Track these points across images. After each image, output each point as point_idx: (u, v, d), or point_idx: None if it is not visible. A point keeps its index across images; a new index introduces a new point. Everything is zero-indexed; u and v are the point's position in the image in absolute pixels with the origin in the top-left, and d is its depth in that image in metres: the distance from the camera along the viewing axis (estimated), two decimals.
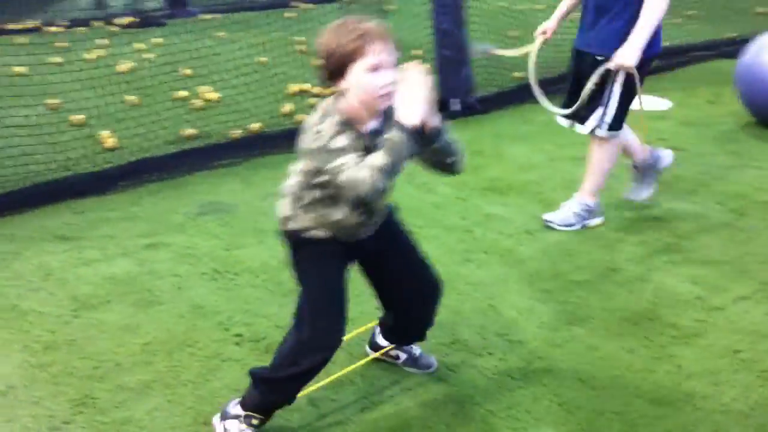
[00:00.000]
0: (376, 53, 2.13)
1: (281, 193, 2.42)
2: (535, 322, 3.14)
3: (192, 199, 4.38)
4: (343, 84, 2.18)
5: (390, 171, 2.10)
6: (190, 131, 5.28)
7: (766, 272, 3.52)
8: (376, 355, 2.86)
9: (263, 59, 6.88)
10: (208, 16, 9.24)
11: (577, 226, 3.95)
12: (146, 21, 9.14)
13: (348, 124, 2.20)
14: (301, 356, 2.38)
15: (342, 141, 2.16)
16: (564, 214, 3.99)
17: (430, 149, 2.25)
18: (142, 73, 6.62)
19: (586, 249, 3.75)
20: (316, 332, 2.37)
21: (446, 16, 5.60)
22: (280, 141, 5.13)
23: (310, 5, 9.21)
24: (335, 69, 2.17)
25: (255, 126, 5.39)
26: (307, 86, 6.26)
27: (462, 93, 5.73)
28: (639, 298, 3.32)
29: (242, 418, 2.47)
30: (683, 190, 4.44)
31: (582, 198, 4.00)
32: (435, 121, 2.21)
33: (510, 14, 8.45)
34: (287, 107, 5.71)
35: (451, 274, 3.49)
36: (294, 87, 6.21)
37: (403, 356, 2.84)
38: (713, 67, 7.18)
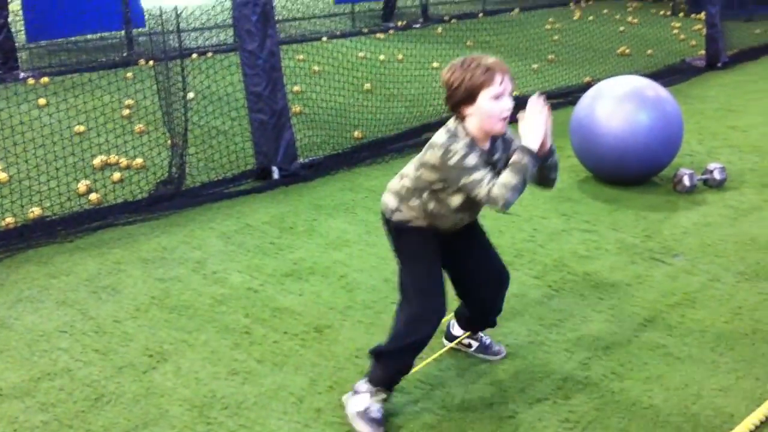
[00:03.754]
0: (500, 83, 2.59)
1: (388, 188, 2.87)
2: None
3: None
4: (469, 110, 2.62)
5: (520, 188, 2.55)
6: None
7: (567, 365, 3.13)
8: (453, 344, 3.26)
9: (81, 128, 6.24)
10: (34, 81, 8.48)
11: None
12: None
13: (474, 144, 2.63)
14: (414, 328, 2.77)
15: (473, 159, 2.58)
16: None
17: (542, 166, 2.69)
18: None
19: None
20: (425, 306, 2.77)
21: (258, 77, 5.11)
22: (68, 224, 4.51)
23: (151, 62, 8.61)
24: (465, 97, 2.60)
25: (35, 212, 4.68)
26: (113, 158, 5.62)
27: (283, 160, 5.23)
28: None
29: (372, 393, 2.81)
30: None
31: None
32: (549, 143, 2.67)
33: (368, 65, 8.08)
34: (84, 185, 5.07)
35: (206, 395, 2.95)
36: (99, 160, 5.56)
37: (475, 344, 3.25)
38: (561, 116, 6.90)
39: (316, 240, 4.38)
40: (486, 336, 3.26)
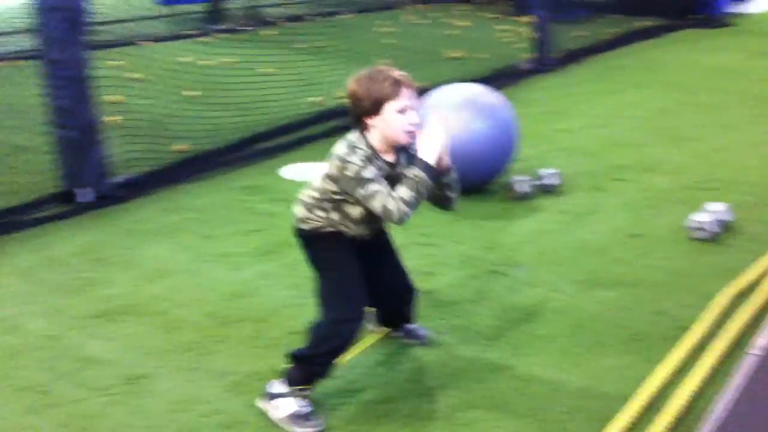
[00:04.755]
0: (406, 97, 2.62)
1: (298, 200, 2.85)
2: None
3: None
4: (373, 121, 2.64)
5: (415, 202, 2.60)
6: None
7: None
8: (380, 335, 3.26)
9: None
10: None
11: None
12: None
13: (374, 157, 2.66)
14: (335, 332, 2.72)
15: (370, 172, 2.60)
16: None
17: (440, 183, 2.74)
18: None
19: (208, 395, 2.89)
20: (344, 309, 2.74)
21: (63, 90, 4.53)
22: None
23: None
24: (370, 108, 2.62)
25: None
26: None
27: (94, 180, 4.68)
28: None
29: (291, 392, 2.74)
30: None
31: None
32: (447, 159, 2.72)
33: (193, 71, 7.57)
34: None
35: None
36: None
37: (398, 333, 3.27)
38: None
39: (132, 272, 3.90)
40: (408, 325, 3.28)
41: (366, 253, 2.88)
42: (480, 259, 4.05)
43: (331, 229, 2.79)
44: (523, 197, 4.86)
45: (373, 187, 2.59)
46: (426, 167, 2.60)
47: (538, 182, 4.98)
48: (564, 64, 8.99)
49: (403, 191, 2.59)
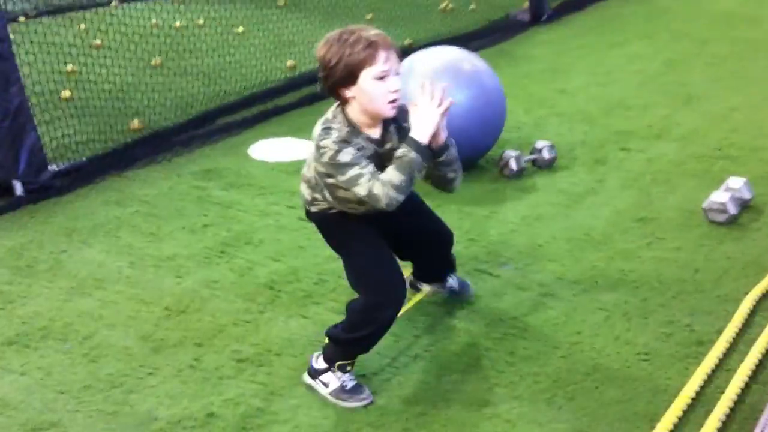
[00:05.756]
0: (384, 61, 2.31)
1: (302, 178, 2.61)
2: None
3: None
4: (350, 92, 2.34)
5: (406, 186, 2.33)
6: None
7: None
8: (421, 295, 3.08)
9: None
10: None
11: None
12: None
13: (353, 135, 2.39)
14: (371, 317, 2.48)
15: (347, 155, 2.33)
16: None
17: (436, 162, 2.46)
18: None
19: None
20: (379, 294, 2.48)
21: None
22: None
23: None
24: (343, 77, 2.31)
25: None
26: None
27: (27, 170, 4.12)
28: None
29: (334, 369, 2.55)
30: (309, 290, 3.24)
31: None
32: (443, 136, 2.43)
33: (165, 34, 6.93)
34: None
35: None
36: None
37: (441, 289, 3.08)
38: None
39: (59, 282, 3.37)
40: (451, 278, 3.08)
41: (393, 218, 2.55)
42: (463, 255, 3.47)
43: (339, 209, 2.55)
44: (517, 174, 4.29)
45: (353, 171, 2.32)
46: (418, 147, 2.32)
47: (532, 157, 4.40)
48: (564, 14, 8.28)
49: (392, 174, 2.32)
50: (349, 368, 2.59)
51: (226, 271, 3.42)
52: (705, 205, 3.73)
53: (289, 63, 6.50)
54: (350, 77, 2.31)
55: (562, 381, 2.68)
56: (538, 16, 8.00)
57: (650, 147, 4.66)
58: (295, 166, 4.57)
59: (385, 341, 2.68)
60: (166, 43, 6.67)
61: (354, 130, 2.39)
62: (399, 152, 2.35)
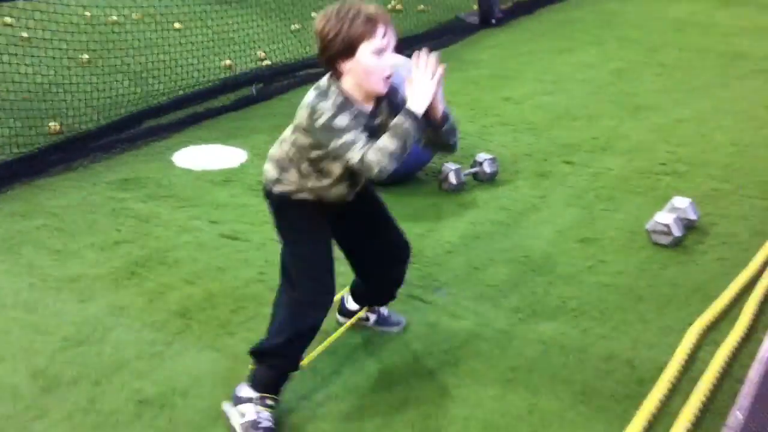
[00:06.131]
0: (382, 36, 2.29)
1: (269, 157, 2.51)
2: None
3: None
4: (347, 65, 2.30)
5: (399, 155, 2.27)
6: None
7: None
8: (351, 321, 2.92)
9: None
10: None
11: None
12: None
13: (348, 104, 2.32)
14: (300, 315, 2.45)
15: (344, 120, 2.30)
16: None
17: (439, 132, 2.41)
18: None
19: None
20: (311, 290, 2.46)
21: None
22: None
23: None
24: (341, 50, 2.28)
25: None
26: None
27: None
28: None
29: (256, 400, 2.45)
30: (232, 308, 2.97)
31: None
32: (442, 107, 2.37)
33: (97, 29, 6.55)
34: None
35: None
36: None
37: (373, 317, 2.95)
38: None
39: None
40: (383, 307, 2.95)
41: (348, 211, 2.56)
42: None
43: (303, 196, 2.47)
44: (457, 188, 4.08)
45: (348, 136, 2.28)
46: (414, 117, 2.28)
47: (473, 170, 4.19)
48: (513, 17, 8.12)
49: (387, 141, 2.27)
50: (271, 403, 2.46)
51: (135, 296, 3.13)
52: (649, 226, 3.56)
53: (226, 62, 6.20)
54: (349, 50, 2.28)
55: (493, 428, 2.46)
56: (487, 19, 7.82)
57: (595, 161, 4.49)
58: (224, 175, 4.30)
59: (301, 375, 2.44)
60: (98, 38, 6.30)
61: (348, 100, 2.35)
62: (395, 121, 2.31)
